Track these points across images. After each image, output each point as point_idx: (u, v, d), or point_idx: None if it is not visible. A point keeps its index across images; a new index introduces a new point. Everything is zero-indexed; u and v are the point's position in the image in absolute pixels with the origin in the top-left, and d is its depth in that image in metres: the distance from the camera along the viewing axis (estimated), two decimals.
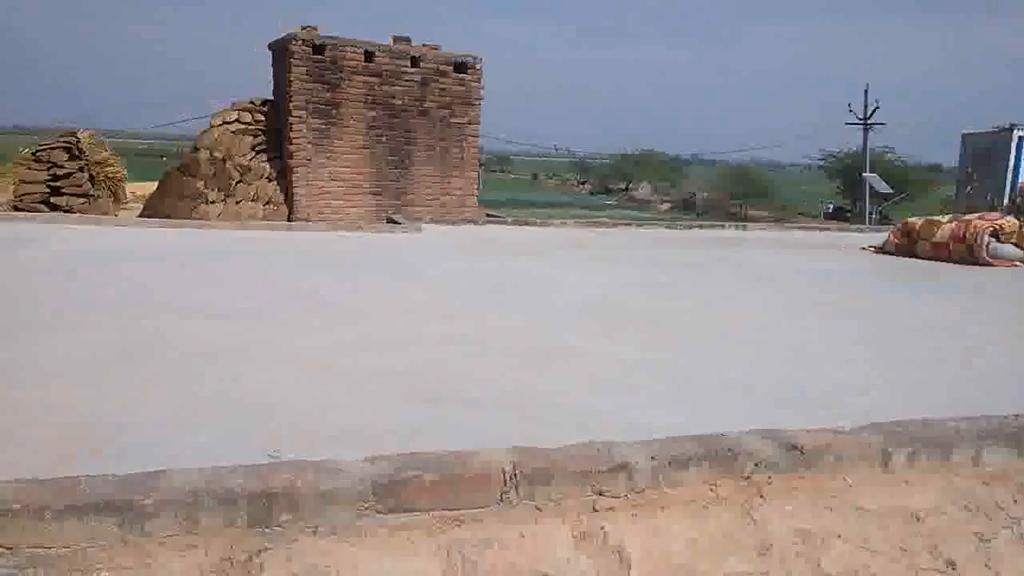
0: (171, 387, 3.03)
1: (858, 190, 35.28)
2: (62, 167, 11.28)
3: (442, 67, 11.96)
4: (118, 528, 1.82)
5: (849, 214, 43.28)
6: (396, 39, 11.86)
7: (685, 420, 2.71)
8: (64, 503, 1.78)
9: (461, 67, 12.13)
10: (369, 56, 11.37)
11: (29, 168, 11.29)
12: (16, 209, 10.85)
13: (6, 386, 2.94)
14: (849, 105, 32.86)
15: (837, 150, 47.07)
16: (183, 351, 3.54)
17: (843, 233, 11.50)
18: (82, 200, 11.35)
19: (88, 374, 3.14)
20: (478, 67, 12.26)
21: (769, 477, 2.29)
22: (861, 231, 12.17)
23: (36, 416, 2.65)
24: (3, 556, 1.73)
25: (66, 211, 10.75)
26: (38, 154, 11.32)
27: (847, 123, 33.11)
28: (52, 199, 11.17)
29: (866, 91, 32.02)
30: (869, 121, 32.29)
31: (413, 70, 11.72)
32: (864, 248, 9.02)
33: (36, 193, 11.12)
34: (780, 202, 53.22)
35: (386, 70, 11.50)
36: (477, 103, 12.35)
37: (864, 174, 30.92)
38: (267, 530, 1.93)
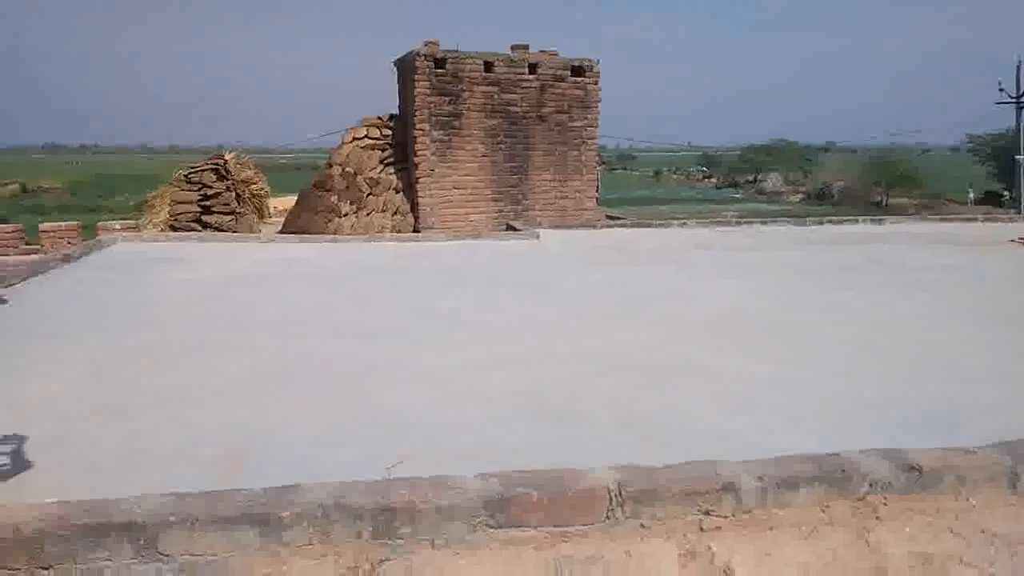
0: (320, 406, 3.31)
1: (1012, 174, 32.70)
2: (211, 187, 12.15)
3: (559, 72, 12.05)
4: (258, 538, 2.02)
5: (1003, 198, 40.17)
6: (514, 47, 12.05)
7: (817, 443, 2.62)
8: (211, 515, 2.00)
9: (578, 71, 12.17)
10: (488, 66, 11.62)
11: (182, 189, 12.24)
12: (172, 228, 11.80)
13: (180, 406, 3.30)
14: (1000, 83, 30.50)
15: (983, 132, 43.81)
16: (330, 371, 3.83)
17: (992, 224, 10.69)
18: (229, 218, 12.19)
19: (248, 394, 3.47)
20: (596, 69, 12.27)
21: (885, 498, 2.24)
22: (1013, 221, 11.32)
23: (203, 435, 2.96)
24: (162, 563, 1.96)
25: (216, 229, 11.59)
26: (189, 175, 12.24)
27: (997, 103, 30.75)
28: (203, 217, 12.06)
29: (1019, 66, 29.59)
30: (1023, 99, 29.83)
31: (531, 77, 11.88)
32: (1013, 240, 8.41)
33: (188, 213, 12.04)
34: (928, 188, 49.81)
35: (505, 79, 11.72)
36: (595, 105, 12.36)
37: (1018, 156, 28.60)
38: (389, 542, 2.08)
